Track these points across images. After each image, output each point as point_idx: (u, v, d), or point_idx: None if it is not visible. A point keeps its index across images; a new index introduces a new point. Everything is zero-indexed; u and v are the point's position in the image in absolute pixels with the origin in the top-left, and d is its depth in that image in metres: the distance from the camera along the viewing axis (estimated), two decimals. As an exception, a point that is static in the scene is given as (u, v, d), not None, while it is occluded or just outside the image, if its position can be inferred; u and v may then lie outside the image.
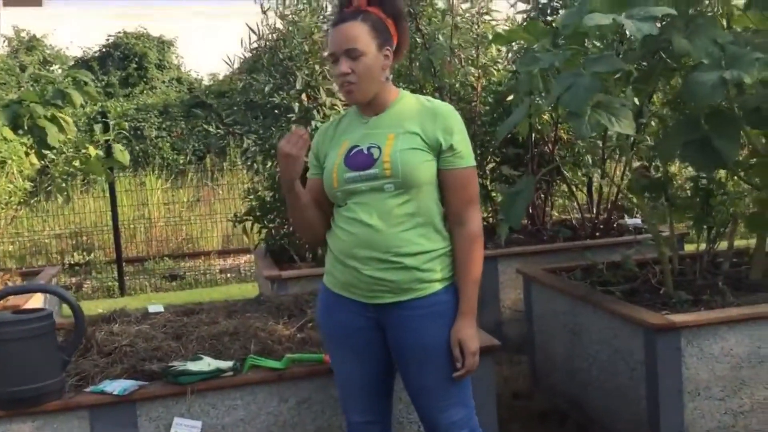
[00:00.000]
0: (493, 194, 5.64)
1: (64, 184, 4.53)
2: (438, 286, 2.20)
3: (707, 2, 3.49)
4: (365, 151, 2.18)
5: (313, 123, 4.61)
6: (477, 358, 2.21)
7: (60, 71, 15.36)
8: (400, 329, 2.21)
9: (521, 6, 5.52)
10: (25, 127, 4.34)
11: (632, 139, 4.11)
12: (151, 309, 3.52)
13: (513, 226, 3.64)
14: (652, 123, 4.33)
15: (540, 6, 5.46)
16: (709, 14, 3.39)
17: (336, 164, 2.21)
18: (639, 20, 2.88)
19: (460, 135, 2.20)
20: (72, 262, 8.79)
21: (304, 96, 4.80)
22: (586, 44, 3.54)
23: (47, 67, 15.83)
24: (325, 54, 2.31)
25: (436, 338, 2.20)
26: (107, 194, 8.11)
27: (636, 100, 3.68)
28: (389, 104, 2.24)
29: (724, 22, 3.49)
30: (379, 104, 2.24)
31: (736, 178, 3.62)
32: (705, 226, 3.66)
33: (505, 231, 4.00)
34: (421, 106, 2.23)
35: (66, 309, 5.20)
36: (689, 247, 4.88)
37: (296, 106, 4.68)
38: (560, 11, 5.39)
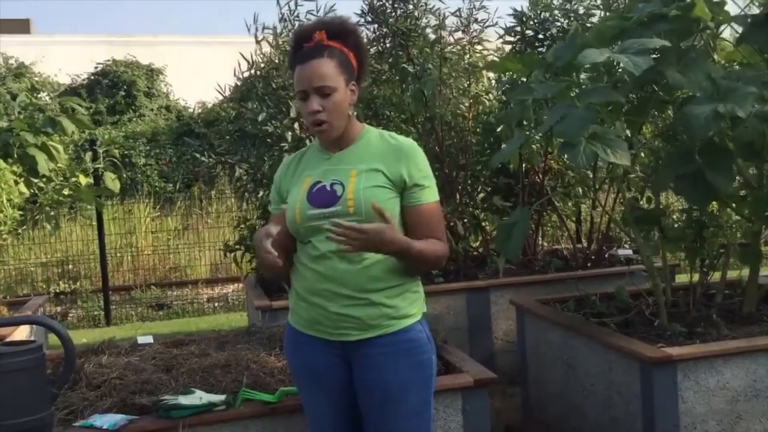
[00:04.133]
0: (484, 224, 5.63)
1: (53, 213, 4.49)
2: (406, 323, 2.15)
3: (697, 36, 3.53)
4: (328, 188, 2.15)
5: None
6: (362, 237, 1.99)
7: (48, 98, 15.31)
8: (365, 367, 2.15)
9: (509, 37, 5.58)
10: (15, 156, 4.32)
11: (622, 169, 4.13)
12: (141, 340, 3.47)
13: (511, 259, 3.60)
14: (642, 154, 4.35)
15: (527, 38, 5.53)
16: (700, 48, 3.42)
17: (299, 200, 2.18)
18: (633, 54, 2.89)
19: (425, 171, 2.18)
20: (57, 291, 8.69)
21: (296, 125, 4.80)
22: (575, 76, 3.57)
23: (35, 95, 15.79)
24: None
25: (400, 378, 2.13)
26: (94, 222, 8.04)
27: (628, 132, 3.71)
28: (353, 140, 2.22)
29: (715, 56, 3.53)
30: (343, 140, 2.22)
31: (728, 210, 3.64)
32: (698, 258, 3.66)
33: (501, 264, 3.98)
34: (385, 142, 2.21)
35: (53, 339, 5.12)
36: (681, 278, 4.89)
37: (289, 135, 4.68)
38: (546, 42, 5.45)
